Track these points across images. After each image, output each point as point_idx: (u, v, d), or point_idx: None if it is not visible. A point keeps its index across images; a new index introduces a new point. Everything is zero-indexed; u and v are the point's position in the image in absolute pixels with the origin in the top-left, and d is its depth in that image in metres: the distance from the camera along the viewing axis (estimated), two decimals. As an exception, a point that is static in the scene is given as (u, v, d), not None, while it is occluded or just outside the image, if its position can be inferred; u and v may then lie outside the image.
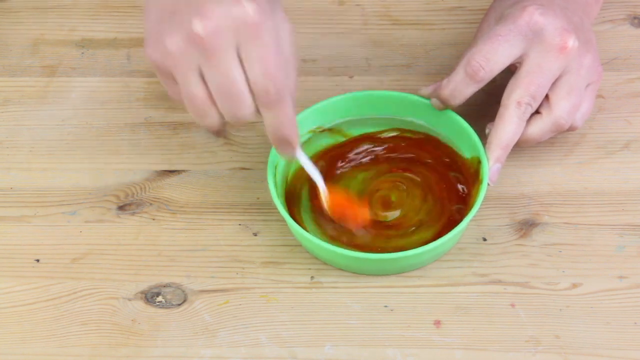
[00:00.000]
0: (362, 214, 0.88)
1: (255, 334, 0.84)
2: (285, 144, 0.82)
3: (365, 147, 0.93)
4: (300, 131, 0.92)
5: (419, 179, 0.91)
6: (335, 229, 0.88)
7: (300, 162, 0.86)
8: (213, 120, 0.81)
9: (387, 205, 0.89)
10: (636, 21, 1.04)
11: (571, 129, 0.91)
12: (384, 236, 0.88)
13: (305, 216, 0.89)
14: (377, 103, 0.93)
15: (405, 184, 0.91)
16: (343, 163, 0.92)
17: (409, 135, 0.93)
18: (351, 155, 0.92)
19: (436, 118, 0.92)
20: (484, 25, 0.93)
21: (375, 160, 0.92)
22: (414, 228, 0.88)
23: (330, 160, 0.92)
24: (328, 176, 0.90)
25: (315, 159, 0.92)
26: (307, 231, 0.86)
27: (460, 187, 0.90)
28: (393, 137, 0.93)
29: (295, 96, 0.81)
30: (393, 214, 0.89)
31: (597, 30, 1.02)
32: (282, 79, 0.78)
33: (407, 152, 0.93)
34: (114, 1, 1.07)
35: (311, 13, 1.05)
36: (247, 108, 0.79)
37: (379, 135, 0.94)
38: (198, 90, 0.79)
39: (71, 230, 0.90)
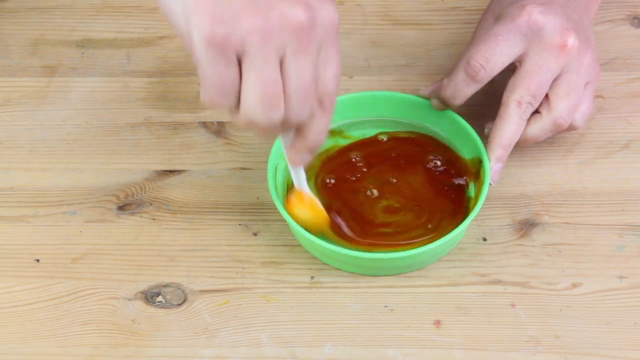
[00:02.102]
0: (320, 222, 0.87)
1: (255, 334, 0.84)
2: (313, 152, 0.80)
3: (365, 149, 0.93)
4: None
5: (419, 180, 0.91)
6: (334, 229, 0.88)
7: (294, 172, 0.85)
8: (279, 113, 0.75)
9: (388, 211, 0.89)
10: (636, 21, 1.04)
11: (571, 128, 0.91)
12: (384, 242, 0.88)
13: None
14: (377, 104, 0.93)
15: (405, 186, 0.90)
16: (345, 171, 0.92)
17: (407, 135, 0.93)
18: (351, 159, 0.92)
19: (436, 118, 0.92)
20: (482, 25, 0.93)
21: (375, 161, 0.92)
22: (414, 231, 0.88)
23: (331, 163, 0.92)
24: (334, 187, 0.90)
25: (316, 162, 0.92)
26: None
27: (458, 181, 0.90)
28: (393, 138, 0.93)
29: None
30: (393, 219, 0.89)
31: (597, 30, 1.02)
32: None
33: (407, 153, 0.92)
34: (114, 1, 1.07)
35: (311, 13, 1.05)
36: (310, 109, 0.77)
37: (379, 137, 0.93)
38: (277, 77, 0.74)
39: (71, 230, 0.90)
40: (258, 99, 0.74)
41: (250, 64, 0.74)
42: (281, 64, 0.74)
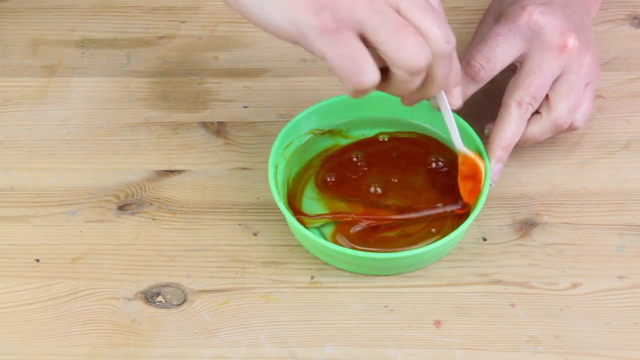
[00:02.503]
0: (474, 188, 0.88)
1: (255, 334, 0.84)
2: (459, 84, 0.83)
3: (366, 149, 0.93)
4: (300, 132, 0.92)
5: (419, 180, 0.91)
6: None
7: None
8: (428, 52, 0.76)
9: (390, 209, 0.89)
10: (636, 21, 1.04)
11: (572, 129, 0.91)
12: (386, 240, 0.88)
13: (309, 195, 0.89)
14: (377, 104, 0.93)
15: (407, 186, 0.90)
16: (346, 169, 0.92)
17: (407, 136, 0.93)
18: (351, 158, 0.92)
19: (436, 118, 0.92)
20: (482, 25, 0.93)
21: (376, 161, 0.92)
22: (415, 230, 0.88)
23: (331, 165, 0.92)
24: (334, 185, 0.90)
25: (316, 161, 0.92)
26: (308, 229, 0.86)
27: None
28: (394, 138, 0.93)
29: None
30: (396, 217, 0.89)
31: (597, 30, 1.02)
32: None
33: (408, 153, 0.92)
34: (114, 1, 1.07)
35: (311, 13, 1.05)
36: (451, 33, 0.78)
37: (379, 137, 0.93)
38: (405, 22, 0.76)
39: (71, 230, 0.90)
40: (402, 49, 0.75)
41: (374, 30, 0.75)
42: (399, 12, 0.76)
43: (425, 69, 0.77)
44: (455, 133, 0.87)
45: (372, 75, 0.76)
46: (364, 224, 0.88)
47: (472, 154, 0.87)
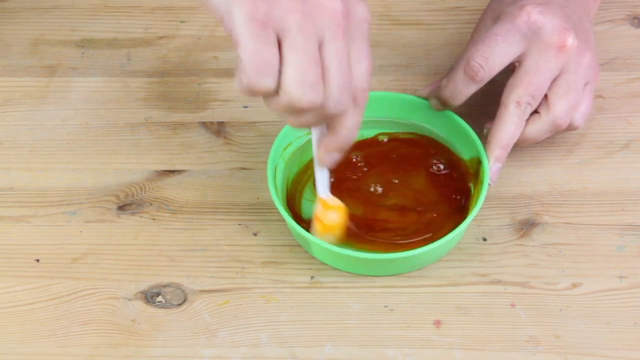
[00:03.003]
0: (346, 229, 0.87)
1: (255, 334, 0.84)
2: (344, 149, 0.80)
3: (365, 149, 0.93)
4: (299, 133, 0.92)
5: (418, 181, 0.91)
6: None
7: (318, 170, 0.84)
8: (319, 95, 0.74)
9: (390, 211, 0.89)
10: (636, 21, 1.04)
11: (572, 128, 0.91)
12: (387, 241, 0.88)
13: (306, 216, 0.89)
14: (376, 104, 0.93)
15: (406, 187, 0.90)
16: (345, 170, 0.92)
17: (407, 136, 0.93)
18: (351, 159, 0.92)
19: (435, 119, 0.92)
20: (481, 25, 0.93)
21: (376, 162, 0.92)
22: (414, 229, 0.88)
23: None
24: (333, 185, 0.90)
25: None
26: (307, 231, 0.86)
27: (459, 188, 0.90)
28: (393, 139, 0.93)
29: None
30: (395, 220, 0.89)
31: (597, 30, 1.02)
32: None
33: (408, 154, 0.92)
34: (114, 1, 1.07)
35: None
36: (348, 98, 0.76)
37: (378, 137, 0.93)
38: (317, 58, 0.74)
39: (71, 230, 0.90)
40: (300, 78, 0.74)
41: (292, 44, 0.74)
42: (320, 48, 0.74)
43: (301, 110, 0.75)
44: (320, 181, 0.85)
45: (271, 82, 0.74)
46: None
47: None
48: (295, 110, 0.75)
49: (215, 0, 0.75)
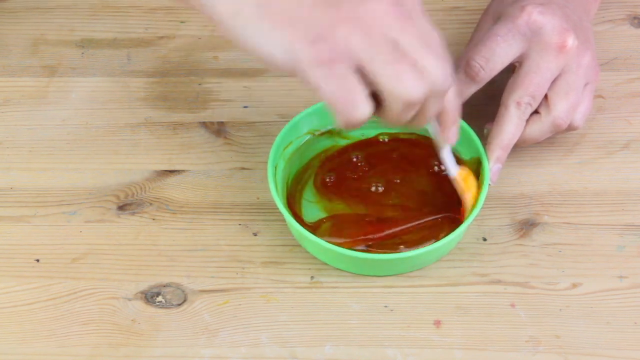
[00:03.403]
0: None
1: (255, 334, 0.84)
2: (457, 120, 0.83)
3: (366, 149, 0.93)
4: (300, 132, 0.92)
5: (420, 181, 0.91)
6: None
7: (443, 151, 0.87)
8: (424, 85, 0.75)
9: (393, 209, 0.89)
10: (636, 21, 1.04)
11: (571, 128, 0.91)
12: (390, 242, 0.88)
13: (306, 216, 0.89)
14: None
15: (406, 185, 0.90)
16: (346, 170, 0.92)
17: (408, 137, 0.93)
18: (351, 159, 0.92)
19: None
20: (481, 25, 0.93)
21: (376, 162, 0.92)
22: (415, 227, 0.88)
23: (331, 165, 0.92)
24: (332, 183, 0.90)
25: (315, 161, 0.92)
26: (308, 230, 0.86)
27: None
28: (392, 139, 0.93)
29: None
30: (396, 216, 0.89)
31: (597, 30, 1.02)
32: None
33: (409, 154, 0.92)
34: (114, 1, 1.07)
35: (311, 13, 1.05)
36: (450, 69, 0.76)
37: (379, 137, 0.93)
38: (402, 57, 0.74)
39: (71, 230, 0.90)
40: (403, 79, 0.74)
41: (372, 61, 0.74)
42: (396, 46, 0.74)
43: (419, 102, 0.76)
44: (449, 161, 0.87)
45: (365, 109, 0.75)
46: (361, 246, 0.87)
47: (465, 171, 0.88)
48: (410, 107, 0.76)
49: (278, 55, 0.74)
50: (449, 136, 0.84)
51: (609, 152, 0.94)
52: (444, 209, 0.89)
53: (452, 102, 0.82)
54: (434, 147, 0.92)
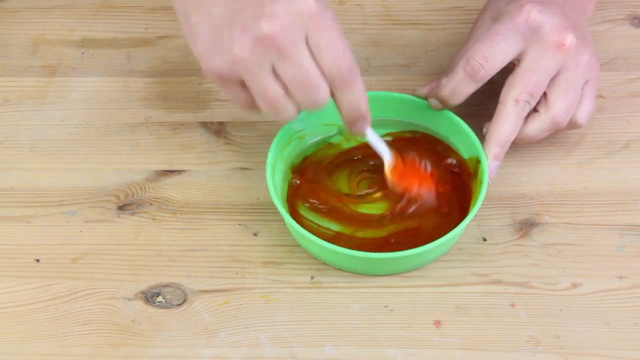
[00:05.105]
0: (423, 182, 0.88)
1: (255, 334, 0.84)
2: (361, 120, 0.85)
3: (370, 149, 0.93)
4: (297, 133, 0.92)
5: (427, 182, 0.90)
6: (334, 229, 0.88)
7: (367, 138, 0.87)
8: (291, 112, 0.82)
9: (394, 211, 0.89)
10: (636, 21, 1.04)
11: (575, 126, 0.91)
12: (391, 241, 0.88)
13: (305, 216, 0.89)
14: (376, 104, 0.92)
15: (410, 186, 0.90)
16: (345, 168, 0.92)
17: (407, 135, 0.93)
18: (352, 158, 0.92)
19: (434, 118, 0.92)
20: (480, 24, 0.93)
21: (380, 162, 0.92)
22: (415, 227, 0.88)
23: (330, 163, 0.92)
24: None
25: (315, 160, 0.92)
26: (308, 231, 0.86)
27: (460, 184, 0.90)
28: (392, 139, 0.93)
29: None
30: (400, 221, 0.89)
31: (597, 30, 1.02)
32: (351, 59, 0.81)
33: (406, 154, 0.92)
34: (114, 1, 1.07)
35: (311, 13, 1.05)
36: (324, 93, 0.81)
37: (384, 138, 0.93)
38: (275, 87, 0.80)
39: (71, 230, 0.90)
40: (268, 109, 0.81)
41: (249, 84, 0.80)
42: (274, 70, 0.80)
43: (285, 120, 0.83)
44: (382, 151, 0.89)
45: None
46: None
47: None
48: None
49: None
50: (351, 131, 0.86)
51: (609, 152, 0.94)
52: (444, 208, 0.89)
53: (348, 106, 0.84)
54: (439, 145, 0.92)
